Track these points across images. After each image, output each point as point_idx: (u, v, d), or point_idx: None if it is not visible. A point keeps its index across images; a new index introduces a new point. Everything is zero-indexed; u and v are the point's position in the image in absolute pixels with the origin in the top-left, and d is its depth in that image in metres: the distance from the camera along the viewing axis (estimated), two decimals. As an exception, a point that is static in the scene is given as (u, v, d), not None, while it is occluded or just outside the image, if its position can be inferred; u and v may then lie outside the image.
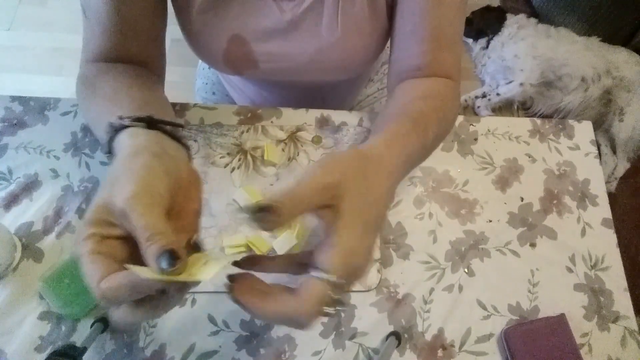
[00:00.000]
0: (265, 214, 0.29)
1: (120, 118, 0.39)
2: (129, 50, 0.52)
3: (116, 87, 0.47)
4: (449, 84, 0.52)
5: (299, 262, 0.35)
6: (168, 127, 0.40)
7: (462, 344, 0.53)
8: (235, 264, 0.36)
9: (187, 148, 0.41)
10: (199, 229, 0.37)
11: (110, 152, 0.40)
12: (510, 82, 1.54)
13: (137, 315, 0.31)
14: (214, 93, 0.88)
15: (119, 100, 0.45)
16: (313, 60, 0.58)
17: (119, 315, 0.31)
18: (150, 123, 0.39)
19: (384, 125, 0.42)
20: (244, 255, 0.37)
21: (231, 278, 0.34)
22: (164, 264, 0.29)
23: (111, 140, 0.39)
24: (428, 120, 0.45)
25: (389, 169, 0.36)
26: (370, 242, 0.33)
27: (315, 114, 0.65)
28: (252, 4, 0.54)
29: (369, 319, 0.53)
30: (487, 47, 1.64)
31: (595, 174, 0.64)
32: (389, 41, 0.58)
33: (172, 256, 0.29)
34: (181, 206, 0.35)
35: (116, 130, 0.39)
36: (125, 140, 0.37)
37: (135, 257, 0.31)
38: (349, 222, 0.32)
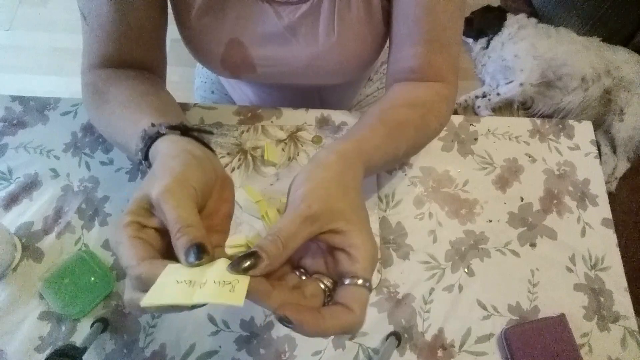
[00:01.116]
0: (255, 260, 0.29)
1: (153, 125, 0.40)
2: (132, 54, 0.52)
3: (131, 95, 0.48)
4: (441, 90, 0.52)
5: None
6: (197, 134, 0.42)
7: (462, 344, 0.53)
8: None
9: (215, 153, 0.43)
10: (229, 230, 0.38)
11: (146, 159, 0.41)
12: (511, 82, 1.54)
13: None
14: (213, 92, 0.88)
15: (137, 108, 0.46)
16: (310, 64, 0.59)
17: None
18: (184, 130, 0.41)
19: (359, 129, 0.44)
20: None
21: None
22: (192, 258, 0.29)
23: (147, 147, 0.40)
24: (404, 130, 0.46)
25: (355, 172, 0.38)
26: (374, 239, 0.34)
27: (315, 114, 0.65)
28: (250, 9, 0.54)
29: (369, 319, 0.53)
30: (487, 47, 1.64)
31: (595, 174, 0.64)
32: (387, 42, 0.58)
33: (200, 249, 0.29)
34: (214, 207, 0.37)
35: (151, 137, 0.40)
36: (166, 147, 0.38)
37: (170, 250, 0.31)
38: (356, 230, 0.32)
